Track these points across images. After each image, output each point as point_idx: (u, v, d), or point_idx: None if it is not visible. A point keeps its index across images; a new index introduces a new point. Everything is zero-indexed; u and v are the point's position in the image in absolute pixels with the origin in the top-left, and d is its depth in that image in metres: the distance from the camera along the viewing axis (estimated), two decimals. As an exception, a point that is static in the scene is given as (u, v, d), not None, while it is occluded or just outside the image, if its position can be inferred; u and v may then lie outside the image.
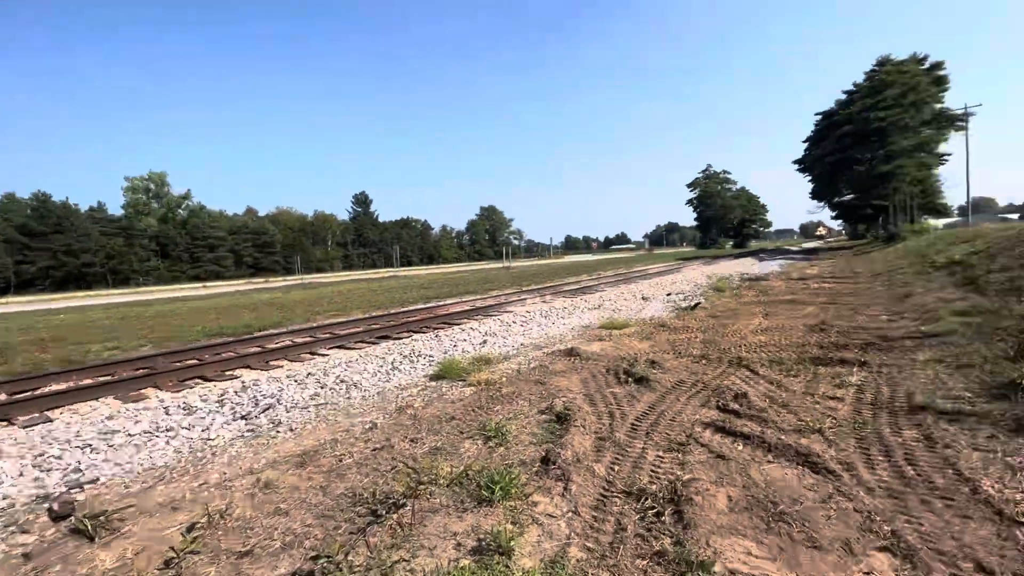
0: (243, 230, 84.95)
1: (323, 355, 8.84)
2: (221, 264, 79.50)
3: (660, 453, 3.74)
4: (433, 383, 6.48)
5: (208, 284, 57.02)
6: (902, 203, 42.58)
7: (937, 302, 8.83)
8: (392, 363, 7.76)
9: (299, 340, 10.22)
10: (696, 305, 12.07)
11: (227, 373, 7.65)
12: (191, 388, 6.89)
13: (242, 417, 5.46)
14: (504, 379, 6.26)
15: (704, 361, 6.53)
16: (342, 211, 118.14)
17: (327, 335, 10.83)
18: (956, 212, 52.31)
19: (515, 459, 3.79)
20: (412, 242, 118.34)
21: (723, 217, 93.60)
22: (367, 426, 4.87)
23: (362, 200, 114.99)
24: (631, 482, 3.28)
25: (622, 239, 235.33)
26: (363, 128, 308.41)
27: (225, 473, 3.95)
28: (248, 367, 8.11)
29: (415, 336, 10.22)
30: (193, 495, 3.57)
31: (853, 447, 3.64)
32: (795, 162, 56.40)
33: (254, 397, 6.16)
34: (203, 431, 5.10)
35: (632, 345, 7.93)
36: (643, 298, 14.93)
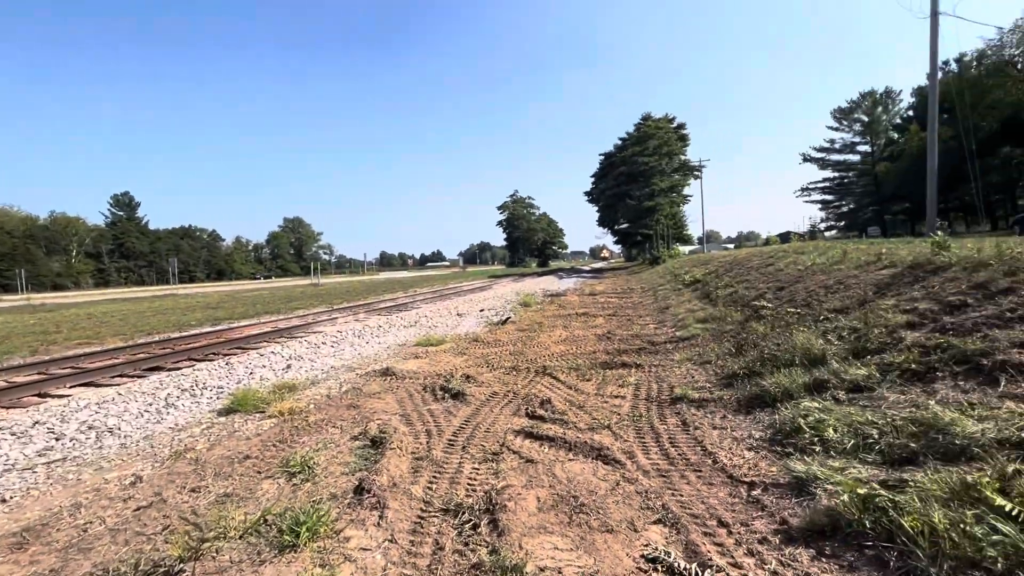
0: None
1: (60, 396, 6.92)
2: None
3: (476, 465, 3.85)
4: (223, 419, 5.60)
5: None
6: (661, 232, 52.59)
7: (686, 312, 11.04)
8: (166, 399, 6.47)
9: (20, 379, 7.83)
10: (507, 320, 12.90)
11: None
12: None
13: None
14: (312, 406, 5.74)
15: (514, 372, 6.98)
16: (94, 214, 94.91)
17: (67, 370, 8.54)
18: (696, 241, 66.61)
19: (325, 494, 3.48)
20: (196, 255, 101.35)
21: (529, 239, 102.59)
22: (128, 481, 3.94)
23: (124, 202, 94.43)
24: (449, 498, 3.29)
25: (438, 257, 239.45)
26: (128, 116, 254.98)
27: None
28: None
29: (199, 365, 8.72)
30: None
31: (633, 437, 4.28)
32: (585, 193, 65.10)
33: (-61, 463, 4.48)
34: None
35: (448, 361, 8.05)
36: (458, 314, 15.36)
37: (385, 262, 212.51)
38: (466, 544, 2.77)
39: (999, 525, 2.15)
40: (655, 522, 2.92)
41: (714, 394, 5.18)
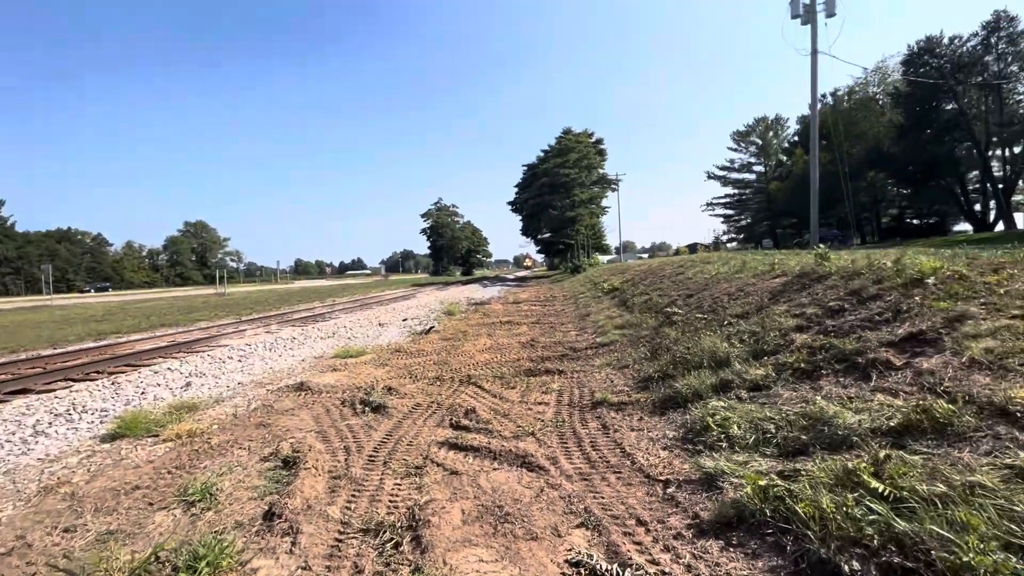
0: None
1: None
2: None
3: (398, 481, 3.71)
4: (107, 446, 4.97)
5: None
6: (582, 242, 54.54)
7: (605, 319, 11.48)
8: (34, 427, 5.65)
9: None
10: (430, 329, 12.68)
11: None
12: None
13: None
14: (216, 427, 5.26)
15: (439, 382, 6.86)
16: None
17: (-98, 397, 7.17)
18: (614, 251, 69.82)
19: (229, 522, 3.18)
20: (76, 261, 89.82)
21: (453, 247, 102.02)
22: (-19, 525, 3.36)
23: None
24: (369, 517, 3.14)
25: (358, 265, 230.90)
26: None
27: None
28: None
29: (78, 386, 7.70)
30: None
31: (557, 443, 4.34)
32: (509, 203, 65.95)
33: None
34: None
35: (369, 373, 7.75)
36: (380, 324, 14.87)
37: (301, 270, 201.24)
38: (387, 564, 2.65)
39: (874, 505, 2.41)
40: (578, 526, 2.97)
41: (632, 397, 5.40)
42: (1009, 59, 35.83)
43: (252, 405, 6.19)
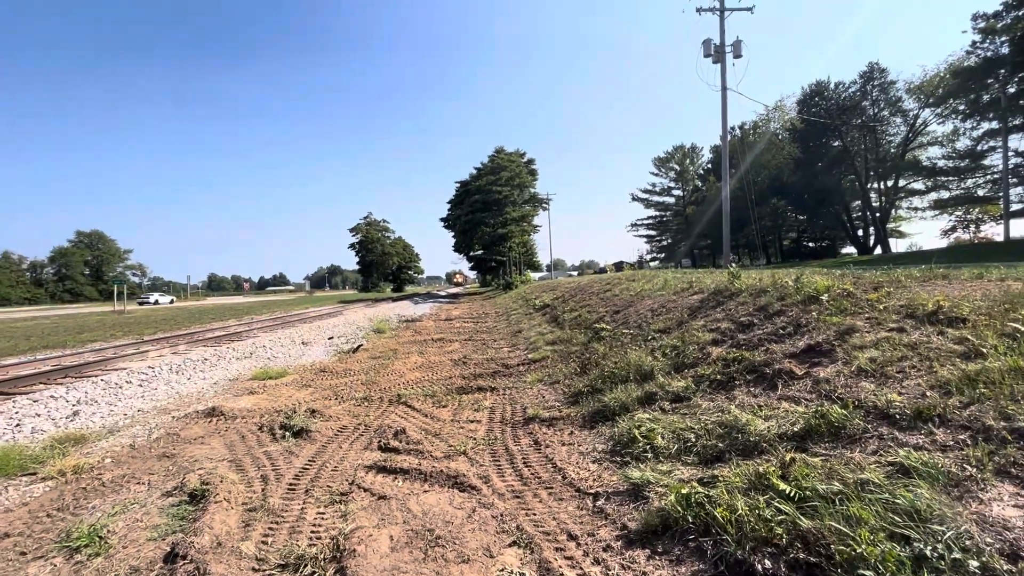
0: None
1: None
2: None
3: (321, 509, 3.50)
4: (-32, 488, 4.27)
5: None
6: (514, 259, 55.25)
7: (537, 335, 11.65)
8: None
9: None
10: (358, 347, 12.21)
11: None
12: None
13: None
14: (109, 460, 4.72)
15: (367, 402, 6.59)
16: None
17: None
18: (545, 268, 71.35)
19: (123, 569, 2.83)
20: (-65, 273, 77.58)
21: (383, 263, 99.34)
22: None
23: None
24: (288, 552, 2.92)
25: (281, 280, 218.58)
26: None
27: None
28: None
29: (-68, 419, 6.58)
30: None
31: (489, 461, 4.30)
32: (441, 219, 65.57)
33: None
34: None
35: (290, 395, 7.30)
36: (303, 343, 14.11)
37: (215, 286, 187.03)
38: (308, 601, 2.47)
39: (782, 506, 2.60)
40: (510, 544, 2.94)
41: (563, 412, 5.49)
42: (882, 104, 41.25)
43: (154, 434, 5.61)
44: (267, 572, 2.75)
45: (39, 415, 6.70)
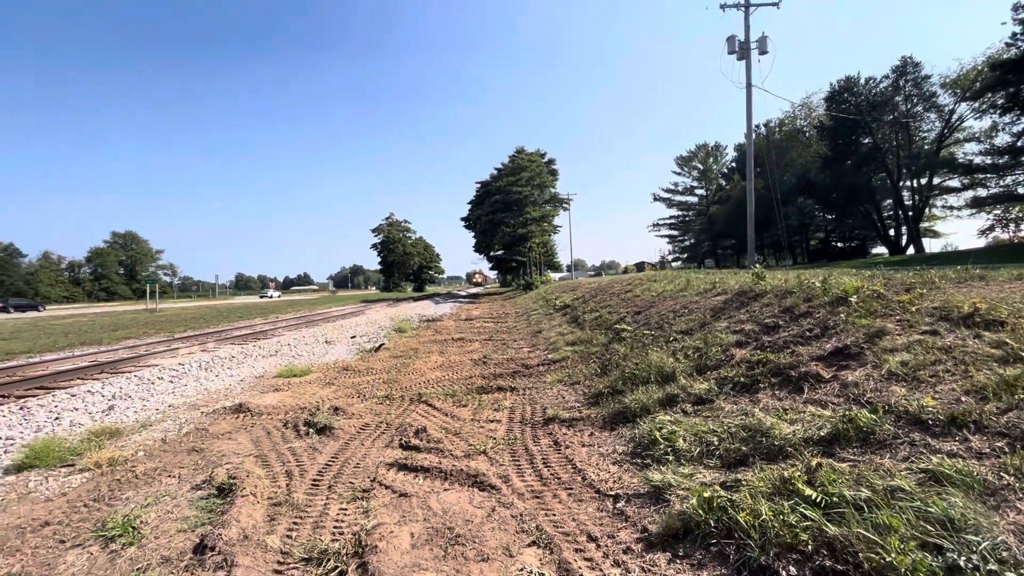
0: None
1: None
2: None
3: (344, 505, 3.56)
4: (11, 478, 4.48)
5: None
6: (534, 260, 55.19)
7: (557, 336, 11.62)
8: (-76, 459, 5.00)
9: None
10: (380, 346, 12.37)
11: None
12: None
13: None
14: (142, 454, 4.88)
15: (388, 401, 6.68)
16: None
17: None
18: (565, 268, 71.05)
19: (154, 558, 2.93)
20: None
21: (405, 263, 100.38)
22: None
23: None
24: (312, 546, 2.98)
25: (305, 280, 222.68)
26: None
27: None
28: None
29: (-21, 412, 6.91)
30: None
31: (509, 460, 4.32)
32: (462, 219, 65.93)
33: None
34: None
35: (314, 392, 7.44)
36: (327, 342, 14.35)
37: (242, 285, 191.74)
38: (331, 595, 2.52)
39: (808, 512, 2.54)
40: (530, 544, 2.95)
41: (583, 413, 5.46)
42: (915, 100, 39.89)
43: (184, 429, 5.79)
44: (291, 566, 2.81)
45: (76, 409, 6.97)
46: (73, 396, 7.67)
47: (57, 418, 6.51)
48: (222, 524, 3.20)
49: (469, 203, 64.86)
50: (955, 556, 2.05)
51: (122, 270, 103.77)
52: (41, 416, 6.59)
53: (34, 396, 7.88)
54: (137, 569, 2.78)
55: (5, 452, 5.20)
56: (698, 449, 3.74)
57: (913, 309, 4.84)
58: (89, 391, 7.97)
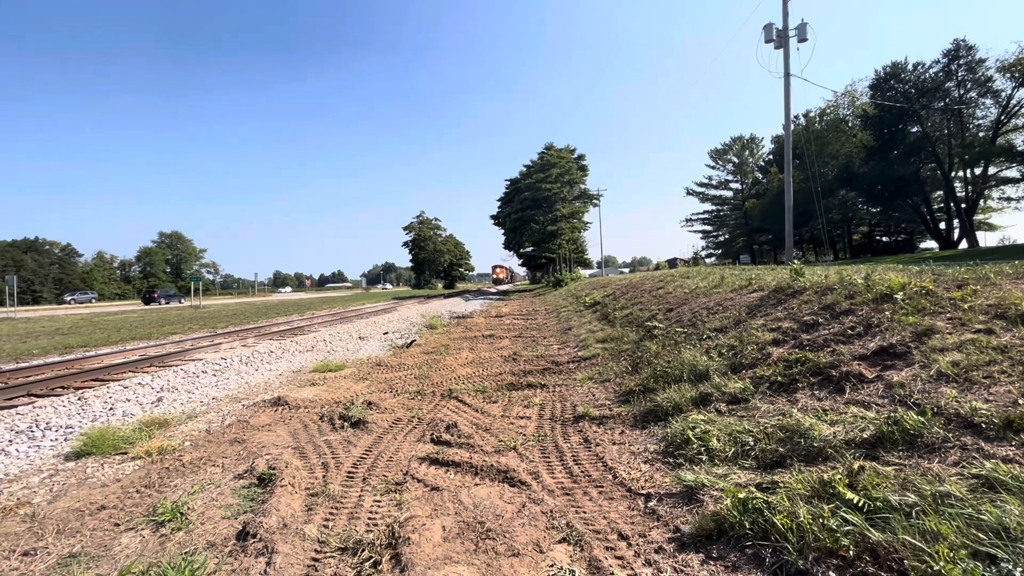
0: None
1: None
2: None
3: (378, 497, 3.65)
4: (71, 464, 4.77)
5: None
6: (564, 256, 54.90)
7: (587, 333, 11.54)
8: (-6, 445, 5.39)
9: None
10: (412, 343, 12.57)
11: None
12: None
13: None
14: (188, 444, 5.11)
15: (420, 396, 6.78)
16: None
17: None
18: (596, 265, 70.43)
19: (201, 543, 3.07)
20: (43, 272, 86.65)
21: (435, 260, 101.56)
22: (-67, 549, 3.19)
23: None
24: (347, 536, 3.07)
25: (338, 277, 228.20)
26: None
27: None
28: None
29: (41, 402, 7.40)
30: None
31: (539, 457, 4.32)
32: (492, 217, 66.16)
33: None
34: None
35: (348, 387, 7.63)
36: (360, 337, 14.68)
37: (280, 282, 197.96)
38: (366, 584, 2.59)
39: (849, 516, 2.46)
40: (560, 541, 2.95)
41: (613, 411, 5.42)
42: (968, 85, 37.64)
43: (227, 421, 6.03)
44: (328, 554, 2.90)
45: (128, 400, 7.36)
46: (125, 388, 8.10)
47: (111, 409, 6.89)
48: (263, 512, 3.33)
49: (499, 200, 64.99)
50: (1010, 566, 1.95)
51: (168, 268, 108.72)
52: (97, 406, 6.99)
53: (91, 387, 8.35)
54: (185, 553, 2.92)
55: (66, 440, 5.54)
56: (732, 449, 3.66)
57: (965, 306, 4.60)
58: (140, 383, 8.40)
